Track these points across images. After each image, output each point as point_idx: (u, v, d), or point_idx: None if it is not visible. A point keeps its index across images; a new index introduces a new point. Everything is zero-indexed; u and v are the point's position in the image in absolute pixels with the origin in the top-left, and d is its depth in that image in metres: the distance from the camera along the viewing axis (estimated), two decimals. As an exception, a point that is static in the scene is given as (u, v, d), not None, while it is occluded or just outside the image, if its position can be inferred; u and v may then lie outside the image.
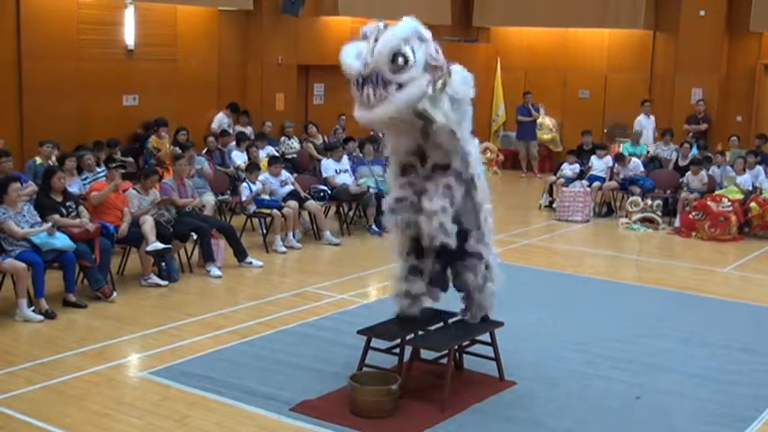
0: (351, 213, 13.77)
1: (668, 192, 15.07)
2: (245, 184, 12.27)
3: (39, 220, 9.12)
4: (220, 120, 15.79)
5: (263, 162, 13.27)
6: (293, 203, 12.18)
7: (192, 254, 11.02)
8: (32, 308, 8.71)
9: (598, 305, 9.87)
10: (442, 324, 7.37)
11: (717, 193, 14.06)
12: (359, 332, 7.21)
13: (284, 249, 11.92)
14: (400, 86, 6.12)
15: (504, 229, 13.56)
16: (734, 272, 11.77)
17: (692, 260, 12.29)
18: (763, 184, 14.17)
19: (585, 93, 20.09)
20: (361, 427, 6.37)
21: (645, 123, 17.47)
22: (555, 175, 16.16)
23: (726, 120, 18.44)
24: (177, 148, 13.11)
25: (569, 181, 15.44)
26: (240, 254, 11.07)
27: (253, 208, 12.14)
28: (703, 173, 14.62)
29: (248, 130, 15.68)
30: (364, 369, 7.07)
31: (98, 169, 11.75)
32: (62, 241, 9.00)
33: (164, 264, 10.21)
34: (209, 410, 6.63)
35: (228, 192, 13.44)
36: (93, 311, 9.06)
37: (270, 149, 14.58)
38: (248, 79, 16.85)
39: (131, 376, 7.42)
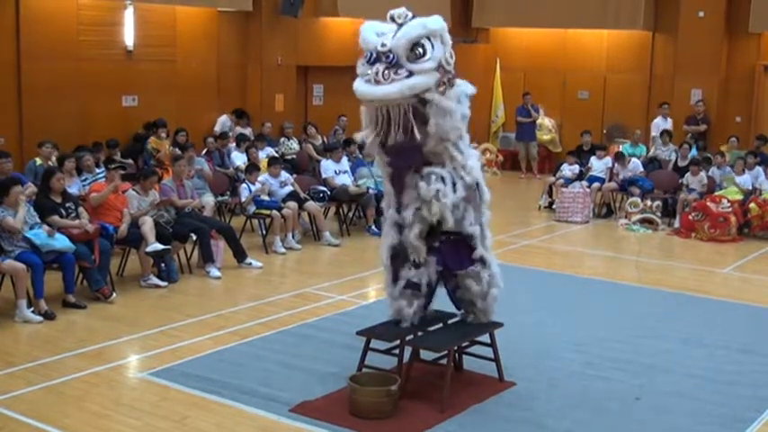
0: (350, 214, 13.77)
1: (668, 193, 15.07)
2: (244, 185, 12.27)
3: (38, 220, 9.12)
4: (223, 122, 15.79)
5: (263, 163, 13.27)
6: (293, 204, 12.18)
7: (191, 255, 11.02)
8: (32, 309, 8.71)
9: (598, 306, 9.87)
10: (441, 325, 7.36)
11: (716, 193, 14.07)
12: (358, 333, 7.21)
13: (284, 250, 11.92)
14: (410, 74, 6.24)
15: (503, 229, 13.57)
16: (733, 273, 11.77)
17: (691, 261, 12.29)
18: (762, 184, 14.17)
19: (585, 94, 20.09)
20: (361, 427, 6.37)
21: (662, 125, 17.27)
22: (554, 175, 16.16)
23: (725, 121, 18.44)
24: (177, 149, 13.11)
25: (569, 182, 15.44)
26: (240, 255, 11.07)
27: (252, 209, 12.14)
28: (703, 174, 14.62)
29: (248, 132, 15.68)
30: (364, 370, 7.07)
31: (97, 170, 11.76)
32: (62, 242, 9.00)
33: (163, 265, 10.21)
34: (208, 411, 6.63)
35: (228, 193, 13.44)
36: (93, 312, 9.06)
37: (269, 150, 14.58)
38: (248, 80, 16.86)
39: (131, 377, 7.42)
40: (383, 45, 6.29)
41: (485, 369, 7.39)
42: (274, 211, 11.93)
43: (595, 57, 19.91)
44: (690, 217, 13.77)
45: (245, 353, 7.93)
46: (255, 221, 12.52)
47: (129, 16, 14.56)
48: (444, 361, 6.94)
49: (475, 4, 20.47)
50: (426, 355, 7.21)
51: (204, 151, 13.91)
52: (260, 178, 12.34)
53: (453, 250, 6.97)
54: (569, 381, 7.44)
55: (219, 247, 10.90)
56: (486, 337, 7.30)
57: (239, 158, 14.11)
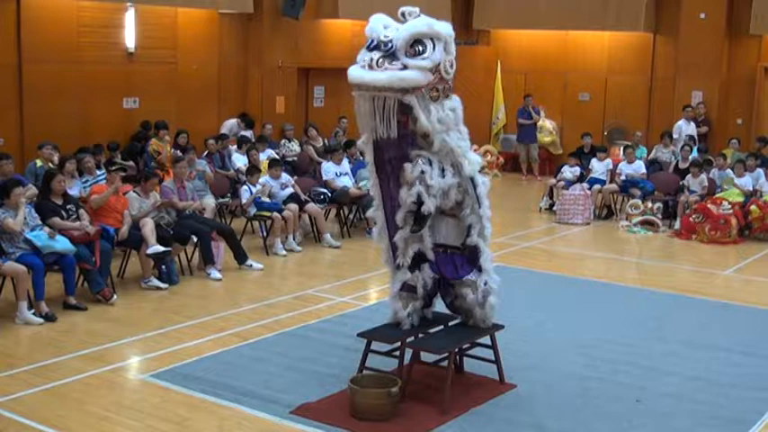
0: (351, 216, 13.76)
1: (668, 195, 15.06)
2: (245, 187, 12.27)
3: (39, 222, 9.12)
4: (231, 126, 15.79)
5: (264, 165, 13.28)
6: (293, 206, 12.19)
7: (192, 257, 11.02)
8: (33, 310, 8.71)
9: (598, 308, 9.87)
10: (442, 327, 7.36)
11: (717, 195, 14.06)
12: (359, 335, 7.21)
13: (284, 252, 11.92)
14: (404, 68, 6.26)
15: (504, 231, 13.57)
16: (734, 274, 11.77)
17: (692, 263, 12.29)
18: (763, 186, 14.17)
19: (586, 95, 20.08)
20: (362, 429, 6.37)
21: (685, 129, 17.13)
22: (555, 177, 16.16)
23: (726, 122, 18.44)
24: (177, 151, 13.12)
25: (569, 184, 15.43)
26: (240, 256, 11.07)
27: (253, 211, 12.14)
28: (703, 176, 14.62)
29: (249, 134, 15.68)
30: (364, 372, 7.06)
31: (98, 172, 11.76)
32: (62, 244, 9.00)
33: (164, 266, 10.20)
34: (209, 413, 6.63)
35: (229, 195, 13.44)
36: (94, 314, 9.06)
37: (270, 152, 14.58)
38: (248, 82, 16.86)
39: (131, 379, 7.42)
40: (386, 35, 6.34)
41: (485, 371, 7.39)
42: (275, 213, 11.93)
43: (596, 58, 19.90)
44: (690, 219, 13.77)
45: (246, 355, 7.93)
46: (256, 223, 12.53)
47: (129, 18, 14.57)
48: (445, 363, 6.93)
49: (476, 6, 20.47)
50: (427, 356, 7.21)
51: (205, 153, 13.91)
52: (261, 180, 12.34)
53: (448, 260, 6.97)
54: (570, 383, 7.43)
55: (220, 248, 10.90)
56: (486, 339, 7.30)
57: (240, 160, 14.11)
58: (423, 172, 6.52)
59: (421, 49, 6.33)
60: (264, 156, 14.15)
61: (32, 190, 10.15)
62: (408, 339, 7.11)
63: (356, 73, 6.38)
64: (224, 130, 15.56)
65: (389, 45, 6.30)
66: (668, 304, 10.09)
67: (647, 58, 19.32)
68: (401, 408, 6.63)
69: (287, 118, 16.86)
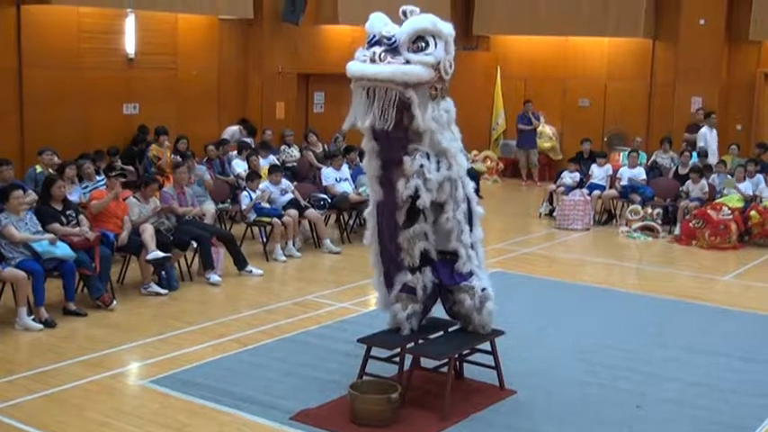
0: (351, 222, 13.76)
1: (668, 200, 15.07)
2: (245, 193, 12.27)
3: (40, 228, 9.12)
4: (233, 132, 15.80)
5: (264, 170, 13.28)
6: (293, 212, 12.19)
7: (191, 262, 11.01)
8: (32, 316, 8.71)
9: (598, 314, 9.86)
10: (442, 333, 7.36)
11: (717, 201, 14.07)
12: (359, 341, 7.21)
13: (284, 258, 11.92)
14: (407, 63, 6.27)
15: (503, 237, 13.57)
16: (734, 280, 11.77)
17: (692, 268, 12.28)
18: (762, 192, 14.17)
19: (585, 101, 20.09)
20: (362, 435, 6.37)
21: (709, 137, 16.95)
22: (555, 183, 16.17)
23: (726, 128, 18.44)
24: (177, 157, 13.12)
25: (569, 189, 15.44)
26: (240, 262, 11.07)
27: (253, 216, 12.14)
28: (703, 181, 14.62)
29: (249, 140, 15.69)
30: (364, 378, 7.06)
31: (98, 178, 11.78)
32: (62, 250, 9.00)
33: (163, 272, 10.20)
34: (209, 419, 6.63)
35: (228, 200, 13.44)
36: (93, 320, 9.05)
37: (272, 158, 14.59)
38: (249, 88, 16.88)
39: (131, 385, 7.42)
40: (388, 32, 6.36)
41: (485, 377, 7.39)
42: (275, 219, 11.93)
43: (596, 64, 19.91)
44: (690, 224, 13.77)
45: (246, 360, 7.92)
46: (256, 229, 12.52)
47: (130, 24, 14.58)
48: (445, 369, 6.93)
49: (476, 12, 20.49)
50: (427, 362, 7.21)
51: (204, 159, 13.91)
52: (260, 186, 12.34)
53: (446, 265, 6.97)
54: (570, 389, 7.43)
55: (220, 254, 10.90)
56: (486, 345, 7.30)
57: (240, 166, 14.11)
58: (422, 165, 6.50)
59: (423, 45, 6.35)
60: (266, 162, 14.15)
61: (32, 195, 10.15)
62: (408, 345, 7.10)
63: (357, 67, 6.37)
64: (226, 136, 15.57)
65: (392, 40, 6.30)
66: (668, 310, 10.08)
67: (647, 63, 19.33)
68: (401, 414, 6.62)
69: (287, 124, 16.87)
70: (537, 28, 19.71)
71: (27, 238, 8.84)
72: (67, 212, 9.59)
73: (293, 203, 12.41)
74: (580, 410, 6.99)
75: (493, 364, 7.30)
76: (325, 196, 13.25)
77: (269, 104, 16.87)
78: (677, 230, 14.20)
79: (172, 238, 10.39)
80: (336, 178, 13.58)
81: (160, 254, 9.92)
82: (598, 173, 15.67)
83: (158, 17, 14.98)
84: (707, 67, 18.23)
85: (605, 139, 19.49)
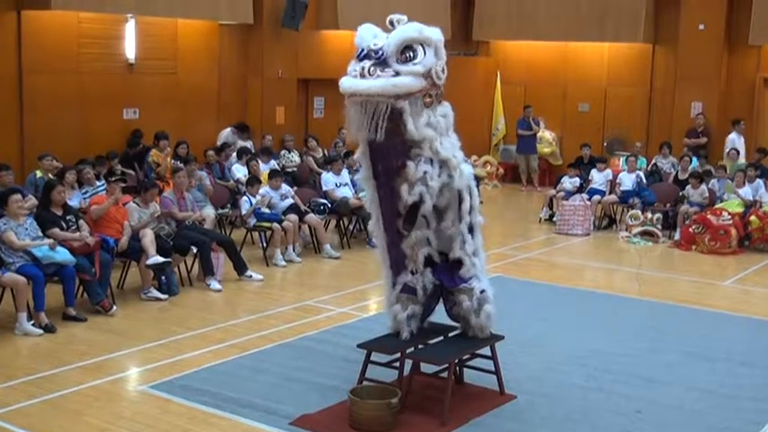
0: (351, 227, 13.76)
1: (668, 205, 15.08)
2: (245, 198, 12.27)
3: (40, 233, 9.12)
4: (227, 136, 15.80)
5: (264, 176, 13.28)
6: (293, 217, 12.19)
7: (191, 267, 11.01)
8: (32, 322, 8.70)
9: (598, 319, 9.86)
10: (442, 337, 7.36)
11: (717, 206, 14.07)
12: (359, 346, 7.21)
13: (284, 263, 11.92)
14: (396, 74, 6.24)
15: (504, 242, 13.57)
16: (734, 285, 11.76)
17: (692, 273, 12.28)
18: (762, 197, 14.18)
19: (585, 106, 20.11)
20: (362, 441, 6.36)
21: (737, 142, 16.96)
22: (555, 188, 16.17)
23: (725, 133, 18.40)
24: (177, 162, 13.12)
25: (569, 194, 15.44)
26: (240, 267, 11.07)
27: (253, 221, 12.14)
28: (703, 186, 14.63)
29: (249, 145, 15.69)
30: (364, 383, 7.05)
31: (98, 183, 11.78)
32: (62, 255, 9.00)
33: (163, 277, 10.20)
34: (208, 424, 6.62)
35: (228, 205, 13.44)
36: (93, 325, 9.05)
37: (272, 163, 14.59)
38: (248, 93, 16.88)
39: (131, 390, 7.41)
40: (375, 43, 6.34)
41: (485, 382, 7.38)
42: (275, 224, 11.93)
43: (596, 70, 19.94)
44: (690, 229, 13.77)
45: (246, 366, 7.92)
46: (256, 234, 12.53)
47: (130, 29, 14.59)
48: (445, 374, 6.93)
49: (475, 17, 20.51)
50: (427, 367, 7.20)
51: (204, 164, 13.90)
52: (260, 191, 12.34)
53: (447, 267, 6.98)
54: (570, 394, 7.43)
55: (220, 259, 10.90)
56: (486, 350, 7.29)
57: (240, 171, 14.12)
58: (425, 172, 6.50)
59: (411, 54, 6.32)
60: (266, 167, 14.15)
61: (32, 200, 10.16)
62: (408, 350, 7.10)
63: (348, 83, 6.37)
64: (220, 142, 15.57)
65: (380, 53, 6.29)
66: (668, 315, 10.08)
67: (647, 69, 19.35)
68: (401, 419, 6.62)
69: (287, 129, 16.87)
70: (537, 33, 19.74)
71: (26, 244, 8.84)
72: (67, 218, 9.59)
73: (293, 208, 12.41)
74: (580, 415, 6.99)
75: (493, 369, 7.30)
76: (325, 201, 13.25)
77: (269, 109, 16.88)
78: (677, 235, 14.20)
79: (172, 243, 10.39)
80: (336, 183, 13.58)
81: (160, 259, 9.92)
82: (598, 178, 15.68)
83: (158, 22, 14.99)
84: (706, 71, 18.24)
85: (605, 144, 19.50)
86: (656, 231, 14.38)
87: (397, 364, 7.13)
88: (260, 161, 14.19)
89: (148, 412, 6.83)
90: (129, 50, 14.68)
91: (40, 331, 8.64)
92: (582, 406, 7.18)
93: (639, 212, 14.63)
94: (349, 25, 17.39)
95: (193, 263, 11.01)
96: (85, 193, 11.48)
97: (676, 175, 15.68)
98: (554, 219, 15.36)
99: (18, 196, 9.14)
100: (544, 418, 6.92)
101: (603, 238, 14.72)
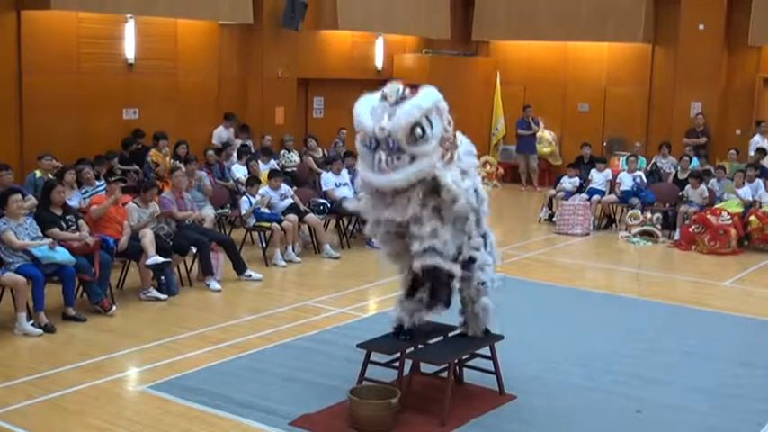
0: (350, 227, 13.76)
1: (668, 205, 15.08)
2: (244, 198, 12.27)
3: (40, 233, 9.12)
4: (220, 134, 15.80)
5: (264, 176, 13.28)
6: (293, 217, 12.19)
7: (191, 267, 11.01)
8: (32, 321, 8.70)
9: (598, 319, 9.86)
10: (441, 337, 7.35)
11: (716, 206, 14.07)
12: (358, 346, 7.20)
13: (284, 263, 11.92)
14: (413, 158, 6.25)
15: (503, 242, 13.54)
16: (734, 285, 11.76)
17: (692, 273, 12.28)
18: (762, 197, 14.18)
19: (585, 106, 20.12)
20: (361, 441, 6.36)
21: (759, 143, 16.89)
22: (554, 188, 16.18)
23: (725, 133, 18.47)
24: (177, 162, 13.11)
25: (569, 194, 15.45)
26: (240, 267, 11.07)
27: (252, 221, 12.14)
28: (703, 186, 14.63)
29: (249, 144, 15.69)
30: (364, 383, 7.05)
31: (97, 183, 11.78)
32: (62, 255, 8.99)
33: (163, 277, 10.19)
34: (208, 424, 6.62)
35: (228, 205, 13.44)
36: (93, 325, 9.05)
37: (271, 163, 14.59)
38: (248, 93, 16.88)
39: (131, 390, 7.41)
40: (381, 129, 6.24)
41: (485, 382, 7.38)
42: (274, 224, 11.93)
43: (595, 70, 19.95)
44: (690, 229, 13.77)
45: (245, 366, 7.92)
46: (256, 234, 12.53)
47: (129, 29, 14.59)
48: (445, 374, 6.93)
49: (475, 18, 20.51)
50: (427, 367, 7.20)
51: (204, 164, 13.90)
52: (260, 191, 12.34)
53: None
54: (570, 394, 7.42)
55: (219, 259, 10.90)
56: (486, 350, 7.29)
57: (240, 171, 14.12)
58: (435, 229, 6.51)
59: (420, 132, 6.26)
60: (266, 167, 14.15)
61: (32, 200, 10.15)
62: (408, 350, 7.10)
63: (372, 177, 6.40)
64: (215, 140, 15.58)
65: (391, 144, 6.25)
66: (668, 315, 10.08)
67: (646, 69, 19.37)
68: (401, 419, 6.61)
69: (286, 129, 16.87)
70: (536, 33, 19.75)
71: (26, 244, 8.83)
72: (67, 218, 9.59)
73: (293, 208, 12.41)
74: (580, 416, 6.98)
75: (492, 369, 7.30)
76: (324, 201, 13.25)
77: (269, 109, 16.88)
78: (677, 235, 14.20)
79: (171, 243, 10.39)
80: (336, 183, 13.58)
81: (160, 259, 9.91)
82: (598, 178, 15.68)
83: (158, 22, 14.99)
84: (706, 72, 18.25)
85: (605, 145, 19.50)
86: (656, 231, 14.38)
87: (397, 364, 7.12)
88: (260, 161, 14.19)
89: (148, 412, 6.83)
90: (129, 51, 14.67)
91: (40, 331, 8.64)
92: (582, 406, 7.17)
93: (639, 212, 14.63)
94: (349, 26, 17.46)
95: (193, 263, 11.01)
96: (85, 193, 11.48)
97: (676, 174, 15.68)
98: (554, 219, 15.36)
99: (18, 196, 9.14)
100: (544, 419, 6.91)
101: (603, 238, 14.72)
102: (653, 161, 16.91)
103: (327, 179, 13.72)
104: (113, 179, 10.91)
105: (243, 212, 12.22)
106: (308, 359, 8.10)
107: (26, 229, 9.00)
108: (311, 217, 12.62)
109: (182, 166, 12.44)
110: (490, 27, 20.40)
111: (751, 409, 7.20)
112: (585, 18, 19.08)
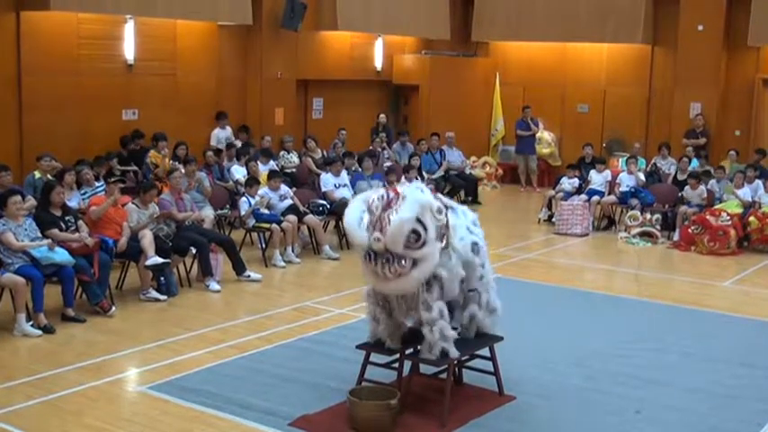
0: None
1: (667, 206, 15.08)
2: (244, 199, 12.27)
3: (39, 234, 9.12)
4: (218, 135, 15.80)
5: (263, 176, 13.28)
6: (292, 218, 12.19)
7: (190, 268, 11.00)
8: (31, 322, 8.70)
9: (597, 319, 9.86)
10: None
11: (716, 207, 14.07)
12: (358, 347, 7.20)
13: (283, 264, 11.92)
14: (415, 262, 6.30)
15: (503, 243, 13.58)
16: (733, 286, 11.76)
17: (691, 274, 12.29)
18: (761, 198, 14.18)
19: (584, 107, 20.12)
20: (361, 442, 6.36)
21: None
22: (554, 189, 16.18)
23: (724, 134, 18.48)
24: (176, 163, 13.11)
25: (568, 195, 15.45)
26: (239, 268, 11.07)
27: (252, 222, 12.14)
28: (702, 187, 14.63)
29: (245, 142, 15.70)
30: (363, 384, 7.05)
31: (97, 184, 11.78)
32: (61, 256, 8.99)
33: (162, 278, 10.19)
34: (207, 425, 6.62)
35: (227, 206, 13.43)
36: (92, 326, 9.05)
37: (271, 164, 14.59)
38: (248, 94, 16.89)
39: (130, 391, 7.41)
40: (377, 240, 6.27)
41: (485, 383, 7.38)
42: (274, 225, 11.93)
43: (595, 70, 19.95)
44: (689, 230, 13.77)
45: (245, 366, 7.92)
46: (255, 235, 12.53)
47: (129, 30, 14.59)
48: (444, 375, 6.92)
49: (474, 18, 20.50)
50: (426, 368, 7.20)
51: (204, 165, 13.90)
52: (259, 192, 12.34)
53: None
54: (569, 394, 7.43)
55: (219, 260, 10.90)
56: (485, 351, 7.29)
57: (239, 172, 14.12)
58: (441, 310, 6.62)
59: (416, 236, 6.28)
60: (265, 168, 14.15)
61: (31, 201, 10.15)
62: (407, 351, 7.10)
63: (381, 286, 6.53)
64: (213, 142, 15.58)
65: (389, 257, 6.29)
66: (667, 316, 10.08)
67: (646, 69, 19.37)
68: (400, 420, 6.61)
69: (286, 129, 16.87)
70: (536, 34, 19.74)
71: (25, 245, 8.83)
72: (66, 218, 9.59)
73: (292, 209, 12.41)
74: (579, 416, 6.99)
75: (492, 370, 7.30)
76: (324, 202, 13.25)
77: (268, 110, 16.88)
78: (676, 236, 14.21)
79: (171, 243, 10.38)
80: (335, 184, 13.59)
81: (159, 260, 9.91)
82: (597, 179, 15.68)
83: (157, 23, 14.99)
84: (705, 72, 18.25)
85: (604, 145, 19.50)
86: (655, 232, 14.38)
87: (397, 365, 7.13)
88: (259, 162, 14.20)
89: (147, 413, 6.83)
90: (129, 51, 14.68)
91: (39, 332, 8.64)
92: (581, 407, 7.17)
93: (638, 213, 14.63)
94: (348, 26, 17.47)
95: (192, 263, 11.01)
96: (84, 193, 11.48)
97: (675, 175, 15.68)
98: (553, 219, 15.36)
99: (18, 197, 9.14)
100: (543, 419, 6.92)
101: (602, 238, 14.72)
102: (652, 162, 16.91)
103: (327, 180, 13.72)
104: (113, 180, 10.91)
105: (242, 213, 12.22)
106: (307, 360, 8.11)
107: (25, 230, 9.00)
108: (310, 218, 12.62)
109: (181, 167, 12.45)
110: (489, 28, 20.39)
111: (750, 410, 7.20)
112: (585, 19, 19.09)
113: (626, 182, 15.36)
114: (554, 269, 12.51)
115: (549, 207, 15.86)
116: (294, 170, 15.61)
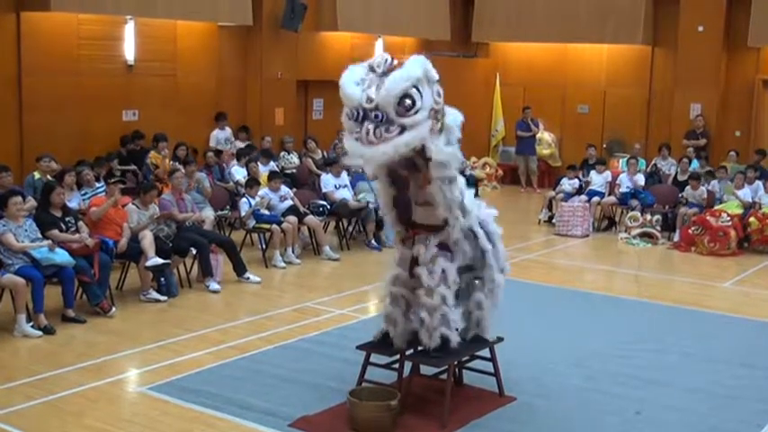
0: (350, 228, 13.76)
1: (667, 207, 15.08)
2: (244, 199, 12.27)
3: (40, 235, 9.12)
4: (217, 136, 15.80)
5: (263, 177, 13.28)
6: (292, 218, 12.18)
7: (191, 269, 11.00)
8: (31, 323, 8.70)
9: (598, 320, 9.86)
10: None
11: (716, 207, 14.07)
12: (358, 347, 7.20)
13: (283, 264, 11.92)
14: (402, 129, 5.98)
15: (503, 244, 13.54)
16: (733, 287, 11.77)
17: (691, 275, 12.29)
18: (762, 198, 14.18)
19: (584, 108, 20.12)
20: (361, 442, 6.36)
21: None
22: (554, 189, 16.18)
23: (724, 135, 18.48)
24: (176, 164, 13.11)
25: (568, 196, 15.45)
26: (239, 269, 11.06)
27: (252, 223, 12.14)
28: (702, 188, 14.64)
29: (246, 143, 15.69)
30: (364, 384, 7.05)
31: (97, 184, 11.78)
32: (62, 257, 8.99)
33: (163, 279, 10.19)
34: (208, 426, 6.62)
35: (228, 207, 13.43)
36: (92, 327, 9.04)
37: (271, 165, 14.59)
38: (248, 94, 16.89)
39: (130, 392, 7.41)
40: (369, 100, 5.96)
41: (485, 384, 7.38)
42: (274, 226, 11.93)
43: (595, 71, 19.95)
44: (689, 231, 13.78)
45: (245, 367, 7.92)
46: (255, 235, 12.53)
47: (129, 31, 14.59)
48: (444, 376, 6.92)
49: (475, 19, 20.52)
50: (426, 369, 7.20)
51: (204, 165, 13.90)
52: (260, 192, 12.34)
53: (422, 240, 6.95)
54: (569, 395, 7.43)
55: (219, 261, 10.89)
56: (486, 352, 7.29)
57: (239, 173, 14.12)
58: (444, 270, 6.61)
59: (409, 102, 5.98)
60: (265, 169, 14.15)
61: (31, 202, 10.15)
62: (408, 352, 7.10)
63: (358, 150, 6.08)
64: (212, 143, 15.58)
65: (379, 115, 5.96)
66: (667, 316, 10.08)
67: (646, 70, 19.37)
68: (400, 421, 6.61)
69: (286, 130, 16.88)
70: (536, 35, 19.75)
71: (25, 246, 8.83)
72: (67, 219, 9.59)
73: (292, 210, 12.41)
74: (580, 417, 6.99)
75: (492, 370, 7.29)
76: (324, 203, 13.25)
77: (268, 111, 16.88)
78: (676, 237, 14.21)
79: (171, 244, 10.38)
80: (336, 185, 13.58)
81: (159, 260, 9.91)
82: (597, 179, 15.69)
83: (157, 24, 14.99)
84: (706, 73, 18.25)
85: (604, 146, 19.50)
86: (656, 233, 14.39)
87: (397, 365, 7.13)
88: (259, 163, 14.19)
89: (148, 414, 6.83)
90: (129, 52, 14.67)
91: (40, 333, 8.64)
92: (581, 407, 7.18)
93: (639, 214, 14.64)
94: (348, 27, 17.45)
95: (192, 264, 11.01)
96: (85, 194, 11.48)
97: (675, 176, 15.68)
98: (553, 220, 15.36)
99: (18, 198, 9.14)
100: (543, 420, 6.92)
101: (603, 239, 14.73)
102: (653, 162, 16.92)
103: (327, 181, 13.72)
104: (113, 180, 10.91)
105: (242, 214, 12.22)
106: (307, 361, 8.11)
107: (25, 230, 9.00)
108: (311, 218, 12.62)
109: (181, 167, 12.45)
110: (490, 28, 20.39)
111: (750, 410, 7.20)
112: (585, 19, 19.09)
113: (626, 183, 15.37)
114: (554, 270, 12.51)
115: (550, 208, 15.87)
116: (294, 171, 15.60)
